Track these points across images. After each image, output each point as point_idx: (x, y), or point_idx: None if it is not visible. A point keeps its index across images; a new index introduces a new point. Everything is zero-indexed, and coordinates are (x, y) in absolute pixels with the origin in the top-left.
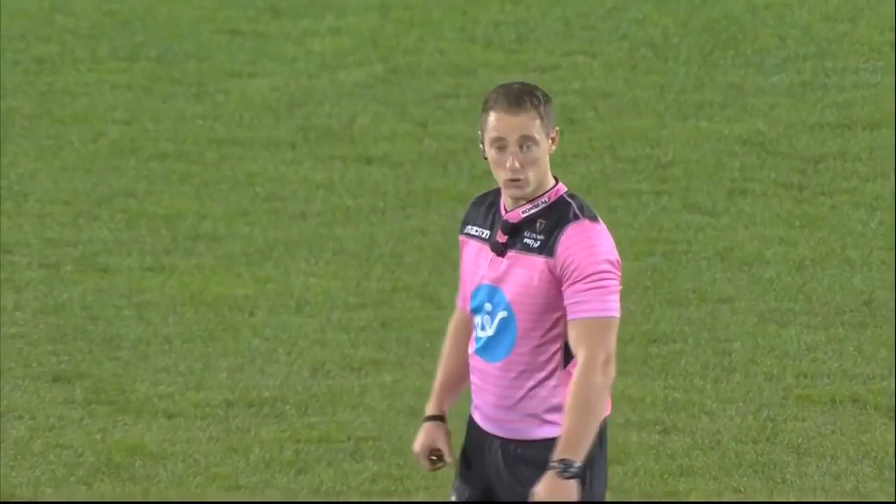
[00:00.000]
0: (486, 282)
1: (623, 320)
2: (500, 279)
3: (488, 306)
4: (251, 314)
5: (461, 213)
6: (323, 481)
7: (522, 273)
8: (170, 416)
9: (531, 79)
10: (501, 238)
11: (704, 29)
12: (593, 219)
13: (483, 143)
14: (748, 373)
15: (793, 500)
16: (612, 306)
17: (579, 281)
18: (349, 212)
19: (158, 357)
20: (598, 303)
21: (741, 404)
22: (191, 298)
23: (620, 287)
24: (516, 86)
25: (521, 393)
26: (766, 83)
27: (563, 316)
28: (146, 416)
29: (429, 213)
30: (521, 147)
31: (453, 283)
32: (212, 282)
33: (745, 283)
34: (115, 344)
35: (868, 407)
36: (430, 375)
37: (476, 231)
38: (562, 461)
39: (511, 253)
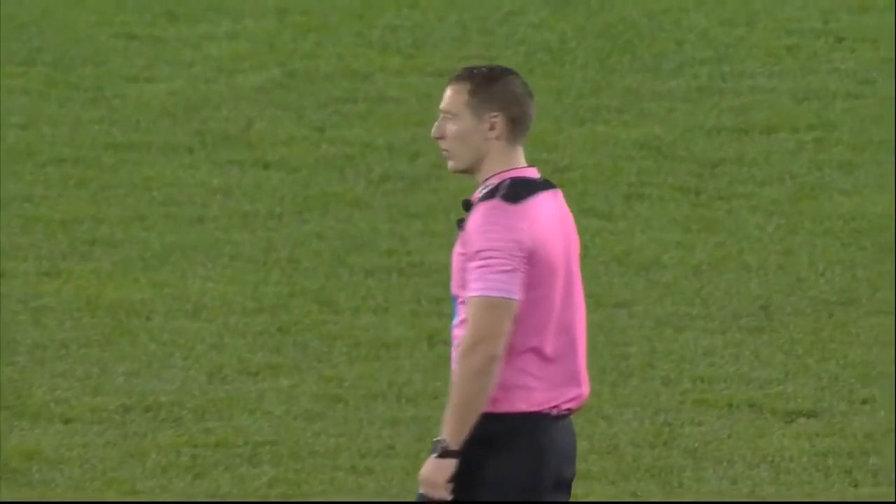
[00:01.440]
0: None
1: None
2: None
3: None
4: (148, 319)
5: (358, 218)
6: (220, 486)
7: (455, 251)
8: (66, 421)
9: (427, 83)
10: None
11: (601, 33)
12: (509, 199)
13: None
14: (645, 377)
15: (689, 502)
16: (493, 286)
17: (471, 259)
18: (246, 216)
19: (55, 362)
20: (480, 282)
21: (638, 408)
22: (87, 303)
23: (520, 268)
24: (478, 65)
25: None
26: (663, 87)
27: None
28: (43, 421)
29: (326, 217)
30: (444, 118)
31: (350, 288)
32: (108, 286)
33: (642, 287)
34: (11, 349)
35: (765, 411)
36: (327, 380)
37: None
38: (435, 441)
39: (459, 235)
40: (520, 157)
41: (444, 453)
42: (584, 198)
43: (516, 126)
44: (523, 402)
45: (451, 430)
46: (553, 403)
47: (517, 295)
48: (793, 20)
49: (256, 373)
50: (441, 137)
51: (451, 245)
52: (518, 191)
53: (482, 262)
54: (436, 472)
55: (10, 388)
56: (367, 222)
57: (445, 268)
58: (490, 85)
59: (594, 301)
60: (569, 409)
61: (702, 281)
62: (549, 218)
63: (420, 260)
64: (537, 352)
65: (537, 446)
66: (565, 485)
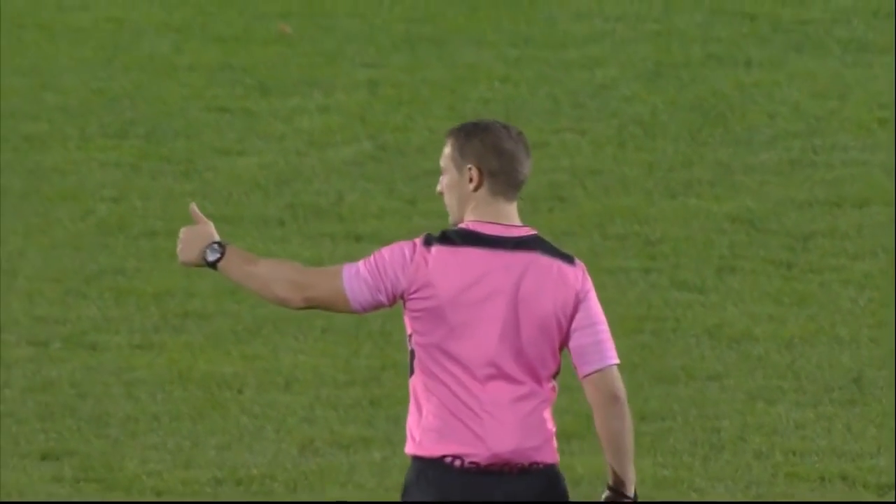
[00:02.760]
0: None
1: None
2: None
3: None
4: (240, 392)
5: None
6: None
7: None
8: (158, 494)
9: None
10: None
11: (693, 107)
12: (425, 240)
13: None
14: (737, 450)
15: None
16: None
17: None
18: None
19: (147, 435)
20: None
21: (730, 482)
22: (179, 376)
23: (366, 269)
24: (469, 121)
25: None
26: (755, 161)
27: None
28: (135, 493)
29: None
30: (441, 174)
31: None
32: (200, 359)
33: (734, 360)
34: (103, 421)
35: (857, 485)
36: None
37: None
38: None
39: None
40: (498, 211)
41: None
42: (677, 271)
43: (494, 179)
44: (428, 446)
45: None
46: (452, 453)
47: (362, 291)
48: (884, 93)
49: (348, 446)
50: (441, 193)
51: None
52: (446, 235)
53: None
54: None
55: (103, 461)
56: None
57: None
58: (469, 138)
59: (686, 374)
60: (474, 464)
61: (794, 354)
62: (473, 270)
63: None
64: (437, 397)
65: (434, 495)
66: None
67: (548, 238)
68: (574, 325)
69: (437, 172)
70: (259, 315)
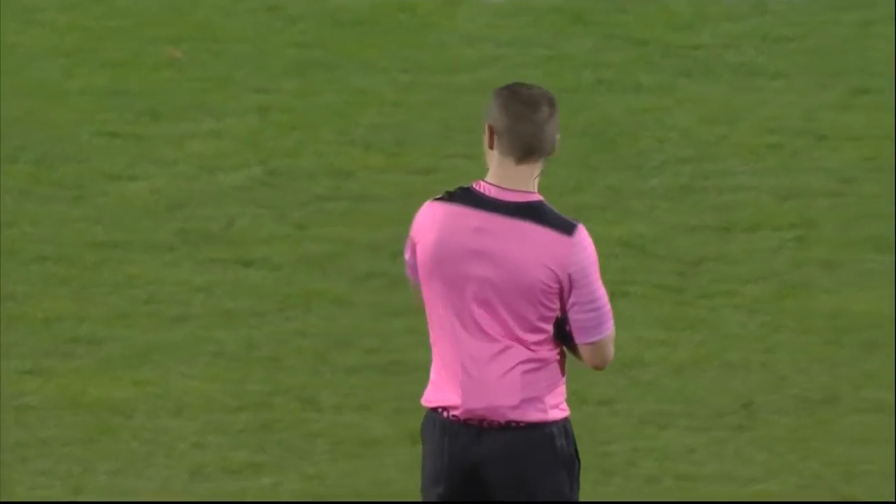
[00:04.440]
0: None
1: None
2: None
3: None
4: (130, 417)
5: (341, 316)
6: None
7: None
8: None
9: (410, 181)
10: None
11: (583, 132)
12: (436, 198)
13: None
14: (627, 475)
15: None
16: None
17: None
18: (228, 314)
19: (37, 460)
20: None
21: None
22: (70, 401)
23: (407, 253)
24: None
25: None
26: (645, 186)
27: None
28: None
29: (308, 315)
30: None
31: (332, 386)
32: (91, 384)
33: (625, 385)
34: None
35: None
36: (309, 478)
37: None
38: None
39: None
40: (506, 173)
41: None
42: None
43: (499, 138)
44: (428, 396)
45: None
46: (441, 405)
47: (410, 276)
48: (774, 118)
49: (238, 471)
50: None
51: None
52: (449, 192)
53: None
54: None
55: None
56: (350, 320)
57: (429, 366)
58: (493, 98)
59: (577, 399)
60: (455, 417)
61: (684, 379)
62: (456, 228)
63: (402, 358)
64: (437, 349)
65: (432, 442)
66: (474, 493)
67: None
68: (573, 299)
69: (328, 198)
70: (150, 340)
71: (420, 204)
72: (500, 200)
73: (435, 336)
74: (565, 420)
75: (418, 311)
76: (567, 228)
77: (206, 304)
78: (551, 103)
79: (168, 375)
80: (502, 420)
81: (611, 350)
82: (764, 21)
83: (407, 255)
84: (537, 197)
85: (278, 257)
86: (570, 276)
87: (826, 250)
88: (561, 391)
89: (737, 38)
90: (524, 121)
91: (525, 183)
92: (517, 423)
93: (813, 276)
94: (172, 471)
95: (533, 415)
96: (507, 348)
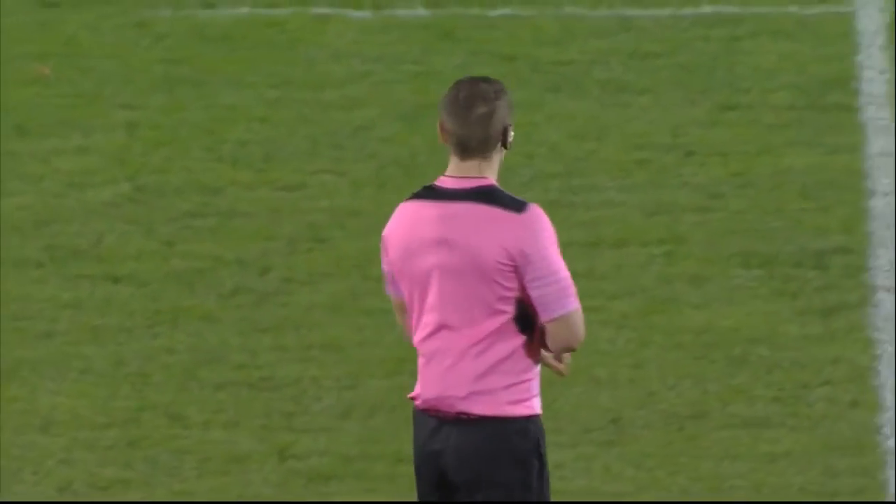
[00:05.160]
0: None
1: (373, 440)
2: None
3: None
4: None
5: (208, 332)
6: None
7: None
8: None
9: (278, 198)
10: None
11: None
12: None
13: (511, 127)
14: None
15: None
16: None
17: None
18: (96, 330)
19: None
20: None
21: None
22: None
23: (384, 261)
24: None
25: None
26: None
27: None
28: None
29: (176, 331)
30: None
31: (200, 402)
32: None
33: None
34: None
35: None
36: (177, 494)
37: None
38: None
39: None
40: (457, 166)
41: None
42: None
43: (445, 136)
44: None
45: None
46: (413, 395)
47: (390, 292)
48: (643, 134)
49: (106, 487)
50: None
51: (300, 360)
52: (414, 192)
53: None
54: None
55: None
56: (218, 336)
57: (297, 381)
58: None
59: None
60: (419, 407)
61: (552, 394)
62: (417, 222)
63: (270, 374)
64: (415, 339)
65: (413, 433)
66: (442, 484)
67: (306, 279)
68: (529, 275)
69: (196, 214)
70: (16, 357)
71: (287, 220)
72: (455, 189)
73: (413, 326)
74: (528, 418)
75: (285, 326)
76: (517, 207)
77: (74, 320)
78: (491, 99)
79: (35, 392)
80: (452, 411)
81: (578, 329)
82: (631, 37)
83: (384, 267)
84: (489, 182)
85: (146, 273)
86: (522, 251)
87: (694, 266)
88: (526, 388)
89: (604, 55)
90: (459, 121)
91: (481, 173)
92: (467, 415)
93: (681, 292)
94: (40, 487)
95: (484, 408)
96: (463, 338)
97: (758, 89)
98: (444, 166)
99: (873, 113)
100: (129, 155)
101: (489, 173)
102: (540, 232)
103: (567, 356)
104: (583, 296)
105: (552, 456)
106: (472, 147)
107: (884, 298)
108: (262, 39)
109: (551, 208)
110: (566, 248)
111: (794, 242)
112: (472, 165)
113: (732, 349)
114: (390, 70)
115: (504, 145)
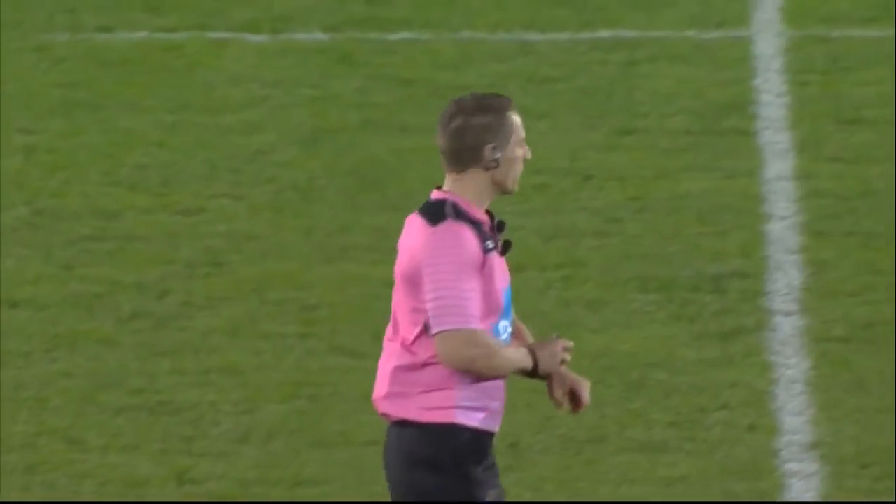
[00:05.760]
0: (509, 281)
1: (271, 465)
2: (508, 275)
3: (510, 303)
4: None
5: (107, 356)
6: None
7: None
8: None
9: (176, 222)
10: (499, 237)
11: (350, 172)
12: None
13: (502, 145)
14: None
15: None
16: None
17: None
18: None
19: None
20: None
21: None
22: None
23: None
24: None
25: None
26: None
27: None
28: None
29: (74, 355)
30: None
31: (98, 426)
32: None
33: None
34: None
35: None
36: None
37: (491, 245)
38: None
39: (510, 247)
40: (445, 177)
41: None
42: (334, 336)
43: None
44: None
45: None
46: None
47: None
48: (541, 159)
49: None
50: None
51: (199, 384)
52: None
53: None
54: None
55: None
56: (116, 360)
57: (195, 406)
58: None
59: (343, 439)
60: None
61: None
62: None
63: (169, 398)
64: None
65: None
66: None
67: (204, 304)
68: (423, 288)
69: (94, 238)
70: None
71: (186, 244)
72: (425, 201)
73: None
74: (441, 426)
75: (184, 350)
76: (434, 220)
77: None
78: (468, 114)
79: None
80: (379, 411)
81: (449, 351)
82: (529, 61)
83: None
84: (447, 196)
85: (44, 297)
86: (419, 263)
87: (592, 290)
88: (444, 396)
89: (502, 79)
90: (438, 133)
91: (453, 186)
92: (388, 416)
93: (579, 316)
94: None
95: (397, 410)
96: (392, 341)
97: (656, 113)
98: (343, 190)
99: (770, 137)
100: (27, 179)
101: (463, 190)
102: (438, 247)
103: (584, 394)
104: None
105: None
106: (444, 160)
107: (781, 322)
108: (160, 64)
109: None
110: None
111: (692, 267)
112: (448, 179)
113: (630, 373)
114: (288, 94)
115: (483, 164)
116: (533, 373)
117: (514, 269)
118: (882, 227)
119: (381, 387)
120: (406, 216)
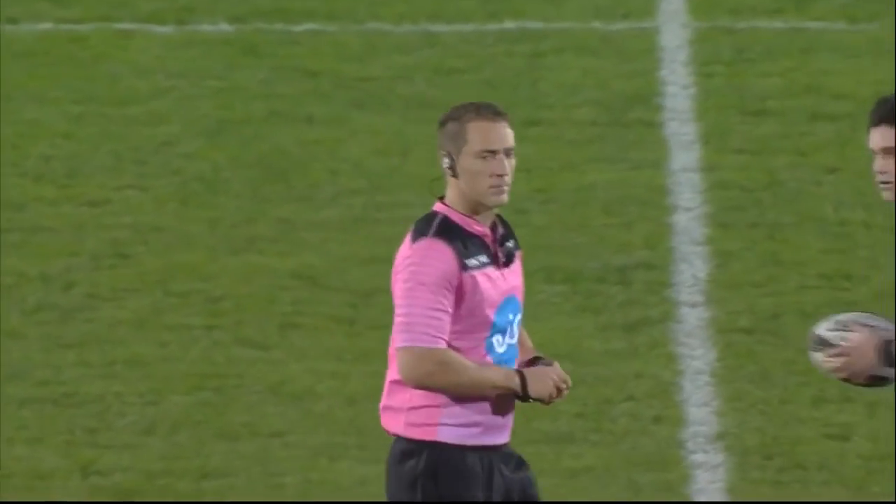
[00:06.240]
0: (509, 293)
1: (177, 456)
2: (516, 286)
3: (511, 315)
4: None
5: (12, 348)
6: None
7: (518, 271)
8: None
9: (81, 213)
10: (501, 250)
11: (255, 163)
12: None
13: (454, 154)
14: None
15: None
16: None
17: None
18: None
19: None
20: None
21: None
22: None
23: None
24: (486, 102)
25: None
26: (318, 217)
27: None
28: None
29: None
30: (507, 156)
31: (3, 419)
32: None
33: (298, 416)
34: None
35: None
36: None
37: (476, 262)
38: None
39: (515, 258)
40: None
41: None
42: (239, 328)
43: None
44: None
45: None
46: None
47: None
48: None
49: None
50: (507, 174)
51: (104, 376)
52: None
53: None
54: None
55: None
56: (21, 352)
57: (101, 398)
58: None
59: (249, 431)
60: None
61: (356, 410)
62: None
63: (74, 390)
64: None
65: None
66: None
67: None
68: (395, 302)
69: (0, 230)
70: None
71: (91, 235)
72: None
73: None
74: (428, 444)
75: (89, 342)
76: (416, 235)
77: None
78: (441, 120)
79: None
80: (382, 423)
81: (413, 367)
82: (435, 53)
83: None
84: (436, 208)
85: None
86: (395, 278)
87: None
88: (429, 413)
89: (408, 70)
90: None
91: (451, 200)
92: (386, 429)
93: None
94: None
95: (388, 424)
96: (392, 356)
97: (561, 105)
98: (248, 182)
99: (676, 128)
100: None
101: (451, 200)
102: (411, 264)
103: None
104: (387, 312)
105: (357, 471)
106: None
107: (687, 314)
108: (65, 55)
109: (355, 225)
110: (370, 263)
111: (598, 258)
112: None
113: None
114: (194, 86)
115: (452, 173)
116: (523, 397)
117: None
118: (786, 218)
119: (382, 399)
120: (311, 207)
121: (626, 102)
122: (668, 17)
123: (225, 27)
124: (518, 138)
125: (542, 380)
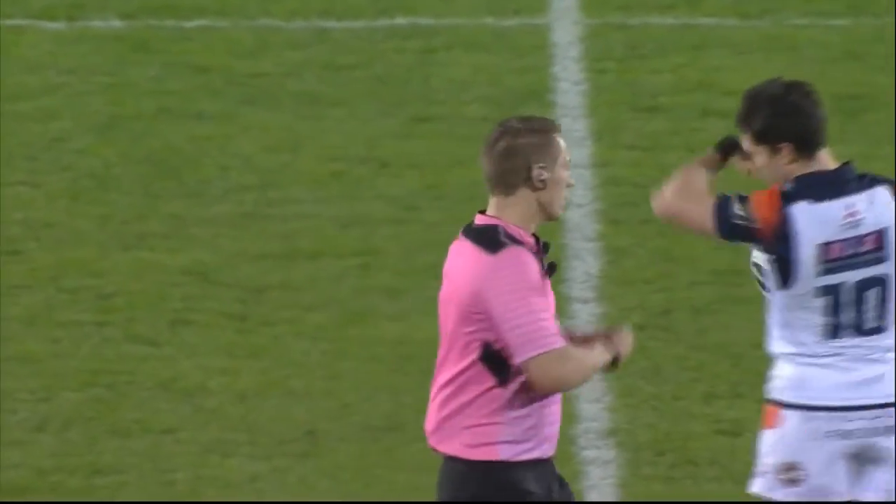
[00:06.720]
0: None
1: (68, 453)
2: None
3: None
4: None
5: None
6: None
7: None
8: None
9: None
10: (544, 259)
11: (146, 159)
12: None
13: (548, 165)
14: None
15: None
16: None
17: None
18: None
19: None
20: None
21: None
22: None
23: None
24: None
25: None
26: (209, 213)
27: None
28: None
29: None
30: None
31: None
32: None
33: (188, 413)
34: None
35: None
36: None
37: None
38: None
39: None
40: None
41: None
42: (130, 324)
43: None
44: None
45: None
46: None
47: None
48: (337, 146)
49: None
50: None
51: None
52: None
53: None
54: None
55: None
56: None
57: None
58: None
59: (140, 427)
60: None
61: (247, 407)
62: (448, 256)
63: None
64: None
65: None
66: None
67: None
68: (494, 319)
69: None
70: None
71: None
72: (471, 225)
73: None
74: (487, 464)
75: None
76: (492, 248)
77: None
78: (514, 135)
79: None
80: (430, 444)
81: (552, 371)
82: (325, 49)
83: None
84: (495, 221)
85: None
86: (481, 294)
87: (389, 278)
88: (489, 432)
89: (299, 66)
90: (482, 156)
91: (501, 211)
92: (436, 450)
93: (376, 304)
94: None
95: (445, 447)
96: (442, 373)
97: (452, 101)
98: (139, 178)
99: (568, 125)
100: None
101: (509, 213)
102: (504, 276)
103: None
104: (278, 308)
105: (248, 468)
106: (490, 183)
107: (579, 310)
108: None
109: (246, 221)
110: (262, 259)
111: None
112: (494, 203)
113: (428, 361)
114: (84, 82)
115: (531, 185)
116: (614, 362)
117: (311, 257)
118: None
119: (430, 420)
120: (202, 204)
121: (518, 99)
122: (560, 13)
123: (116, 23)
124: (409, 134)
125: (623, 340)
